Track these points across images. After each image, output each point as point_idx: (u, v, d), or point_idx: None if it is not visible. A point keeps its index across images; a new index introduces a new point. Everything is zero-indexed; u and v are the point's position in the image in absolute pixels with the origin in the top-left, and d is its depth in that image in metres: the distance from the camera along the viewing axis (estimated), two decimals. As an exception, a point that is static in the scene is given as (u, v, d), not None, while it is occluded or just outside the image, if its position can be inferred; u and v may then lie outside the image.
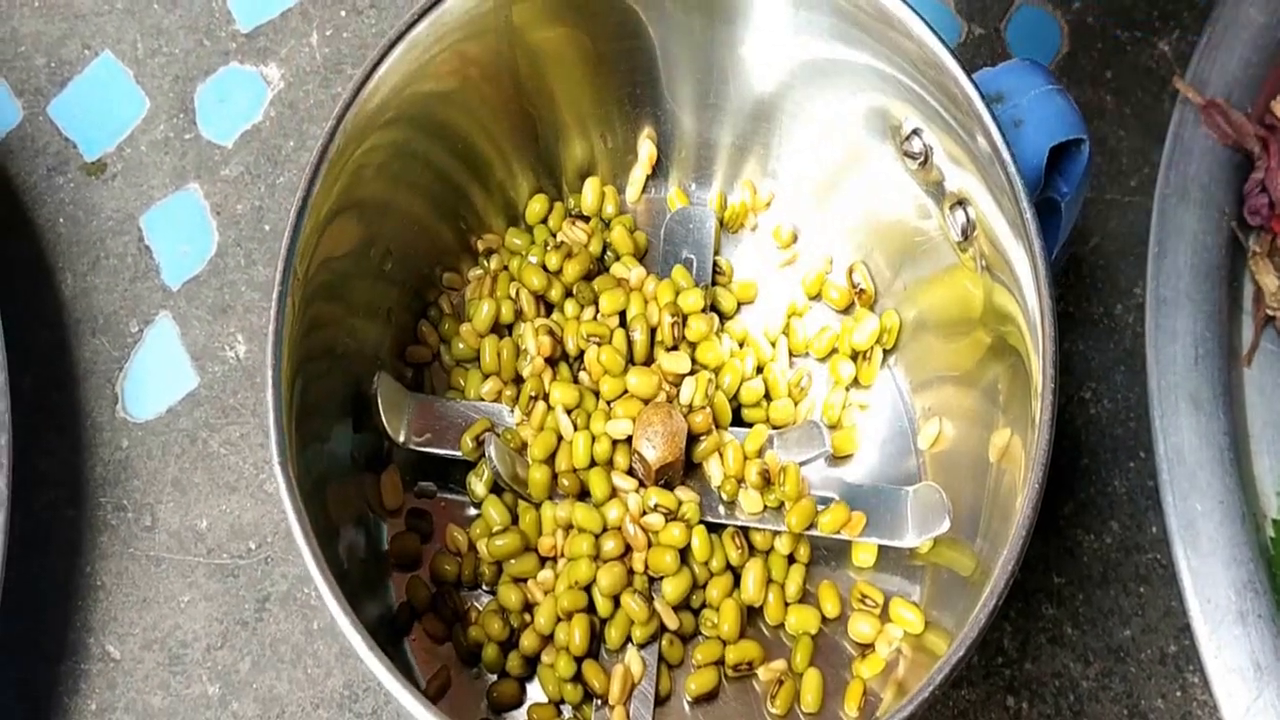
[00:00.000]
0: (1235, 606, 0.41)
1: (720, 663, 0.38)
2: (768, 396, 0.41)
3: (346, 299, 0.38)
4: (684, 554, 0.38)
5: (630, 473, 0.39)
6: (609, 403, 0.39)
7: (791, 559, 0.39)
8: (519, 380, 0.40)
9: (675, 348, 0.40)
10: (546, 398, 0.39)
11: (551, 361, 0.40)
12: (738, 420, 0.41)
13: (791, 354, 0.42)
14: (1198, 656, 0.41)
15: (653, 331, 0.40)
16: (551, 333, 0.40)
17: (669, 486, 0.39)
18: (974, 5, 0.49)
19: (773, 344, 0.42)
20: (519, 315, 0.41)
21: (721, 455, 0.39)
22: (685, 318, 0.40)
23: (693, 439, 0.39)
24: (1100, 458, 0.45)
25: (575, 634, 0.37)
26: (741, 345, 0.41)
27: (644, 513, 0.38)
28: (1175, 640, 0.43)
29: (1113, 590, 0.43)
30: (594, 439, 0.39)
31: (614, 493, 0.38)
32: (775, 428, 0.40)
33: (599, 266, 0.42)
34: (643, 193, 0.44)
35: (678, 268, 0.41)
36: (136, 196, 0.47)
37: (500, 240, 0.43)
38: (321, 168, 0.35)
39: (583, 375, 0.40)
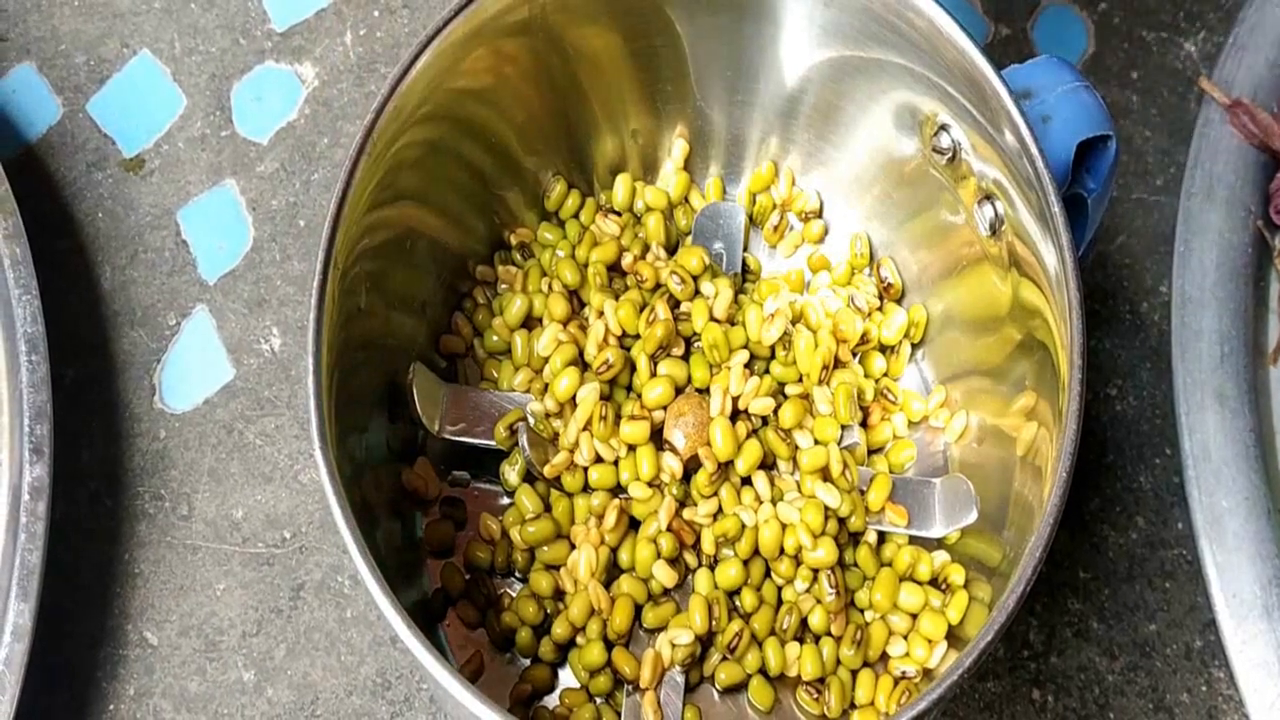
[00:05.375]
0: (1260, 602, 0.41)
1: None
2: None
3: (383, 291, 0.38)
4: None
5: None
6: (638, 395, 0.40)
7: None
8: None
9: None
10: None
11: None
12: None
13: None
14: (1223, 651, 0.41)
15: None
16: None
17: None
18: (1001, 5, 0.50)
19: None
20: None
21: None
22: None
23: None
24: (1126, 454, 0.45)
25: (617, 617, 0.37)
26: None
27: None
28: (1200, 635, 0.43)
29: (1138, 585, 0.43)
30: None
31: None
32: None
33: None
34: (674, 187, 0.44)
35: (698, 249, 0.41)
36: (174, 192, 0.48)
37: (532, 234, 0.43)
38: (360, 162, 0.35)
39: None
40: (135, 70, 0.49)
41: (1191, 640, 0.43)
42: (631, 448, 0.39)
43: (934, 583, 0.39)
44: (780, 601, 0.39)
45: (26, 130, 0.48)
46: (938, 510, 0.39)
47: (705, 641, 0.38)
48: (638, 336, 0.40)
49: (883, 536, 0.40)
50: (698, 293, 0.41)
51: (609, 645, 0.38)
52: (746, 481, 0.39)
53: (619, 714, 0.38)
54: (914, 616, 0.38)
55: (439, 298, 0.42)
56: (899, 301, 0.43)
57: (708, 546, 0.38)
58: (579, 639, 0.38)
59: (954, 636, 0.38)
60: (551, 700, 0.38)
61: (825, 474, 0.39)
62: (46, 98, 0.49)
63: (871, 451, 0.41)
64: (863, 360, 0.42)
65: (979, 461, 0.40)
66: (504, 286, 0.43)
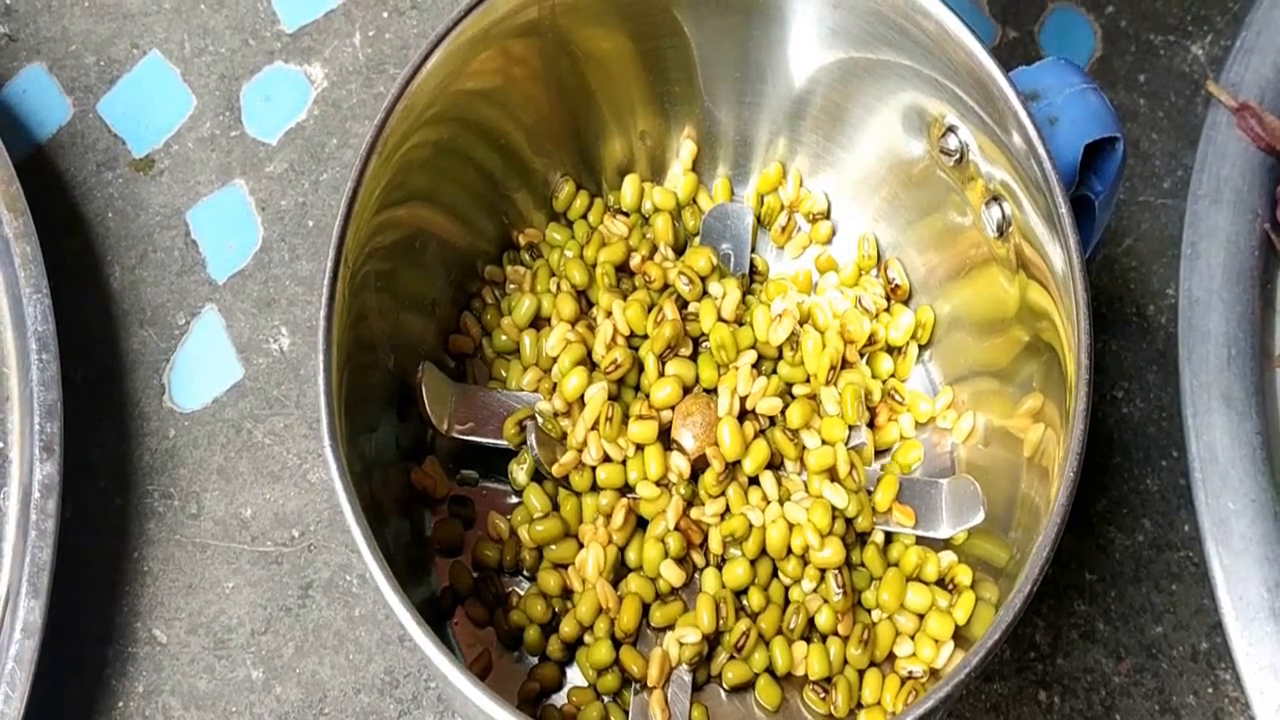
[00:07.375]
0: (1267, 604, 0.41)
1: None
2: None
3: (392, 290, 0.38)
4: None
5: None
6: (646, 394, 0.40)
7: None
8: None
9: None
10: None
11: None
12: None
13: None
14: (1229, 654, 0.41)
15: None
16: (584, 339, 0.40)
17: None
18: (1008, 8, 0.50)
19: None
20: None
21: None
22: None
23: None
24: (1133, 456, 0.45)
25: (624, 616, 0.37)
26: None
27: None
28: (1207, 637, 0.43)
29: (1144, 587, 0.43)
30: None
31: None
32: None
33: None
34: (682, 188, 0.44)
35: (706, 249, 0.41)
36: (183, 192, 0.48)
37: (541, 235, 0.43)
38: (369, 162, 0.35)
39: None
40: (145, 71, 0.49)
41: (1198, 642, 0.43)
42: (639, 447, 0.39)
43: (941, 583, 0.39)
44: (787, 601, 0.39)
45: (37, 130, 0.48)
46: (945, 511, 0.39)
47: (712, 640, 0.38)
48: (646, 336, 0.40)
49: (890, 537, 0.40)
50: (705, 293, 0.41)
51: (616, 644, 0.38)
52: (754, 481, 0.39)
53: (626, 712, 0.38)
54: (921, 617, 0.39)
55: (448, 297, 0.42)
56: (906, 302, 0.43)
57: (715, 546, 0.39)
58: (587, 637, 0.38)
59: (961, 637, 0.38)
60: (559, 699, 0.38)
61: (833, 474, 0.39)
62: (57, 98, 0.49)
63: (879, 452, 0.41)
64: (870, 361, 0.42)
65: (986, 463, 0.40)
66: (512, 286, 0.43)
